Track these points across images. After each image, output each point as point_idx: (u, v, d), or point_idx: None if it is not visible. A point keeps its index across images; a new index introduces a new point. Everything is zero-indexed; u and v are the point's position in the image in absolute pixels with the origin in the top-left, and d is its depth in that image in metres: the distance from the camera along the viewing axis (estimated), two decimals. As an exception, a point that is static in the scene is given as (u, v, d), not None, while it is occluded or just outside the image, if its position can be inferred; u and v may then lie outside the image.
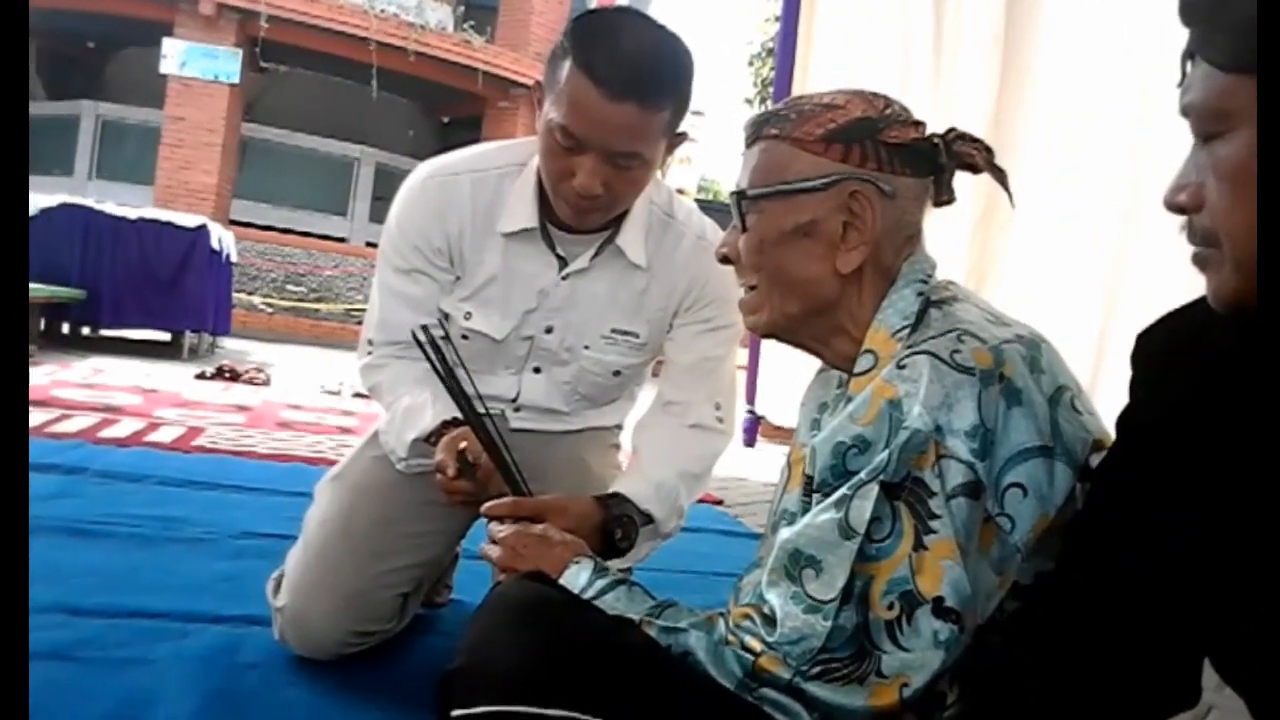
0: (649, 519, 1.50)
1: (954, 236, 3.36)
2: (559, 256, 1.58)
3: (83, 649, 1.58)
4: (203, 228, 7.35)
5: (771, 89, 5.76)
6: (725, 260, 1.11)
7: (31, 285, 5.64)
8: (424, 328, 1.38)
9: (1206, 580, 0.74)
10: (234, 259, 8.28)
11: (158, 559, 2.13)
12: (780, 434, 5.14)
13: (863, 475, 0.90)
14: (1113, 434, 0.89)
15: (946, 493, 0.87)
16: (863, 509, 0.89)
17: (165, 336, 7.70)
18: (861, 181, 1.00)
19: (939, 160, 1.03)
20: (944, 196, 1.05)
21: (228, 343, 8.84)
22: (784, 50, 4.88)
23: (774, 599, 0.92)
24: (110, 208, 6.95)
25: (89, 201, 6.99)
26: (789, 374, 4.36)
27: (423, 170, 1.62)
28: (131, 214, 7.02)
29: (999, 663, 0.90)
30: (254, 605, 1.75)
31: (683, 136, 1.48)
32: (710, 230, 1.64)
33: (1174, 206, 0.75)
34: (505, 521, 1.23)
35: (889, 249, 1.03)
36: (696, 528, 2.81)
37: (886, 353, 0.98)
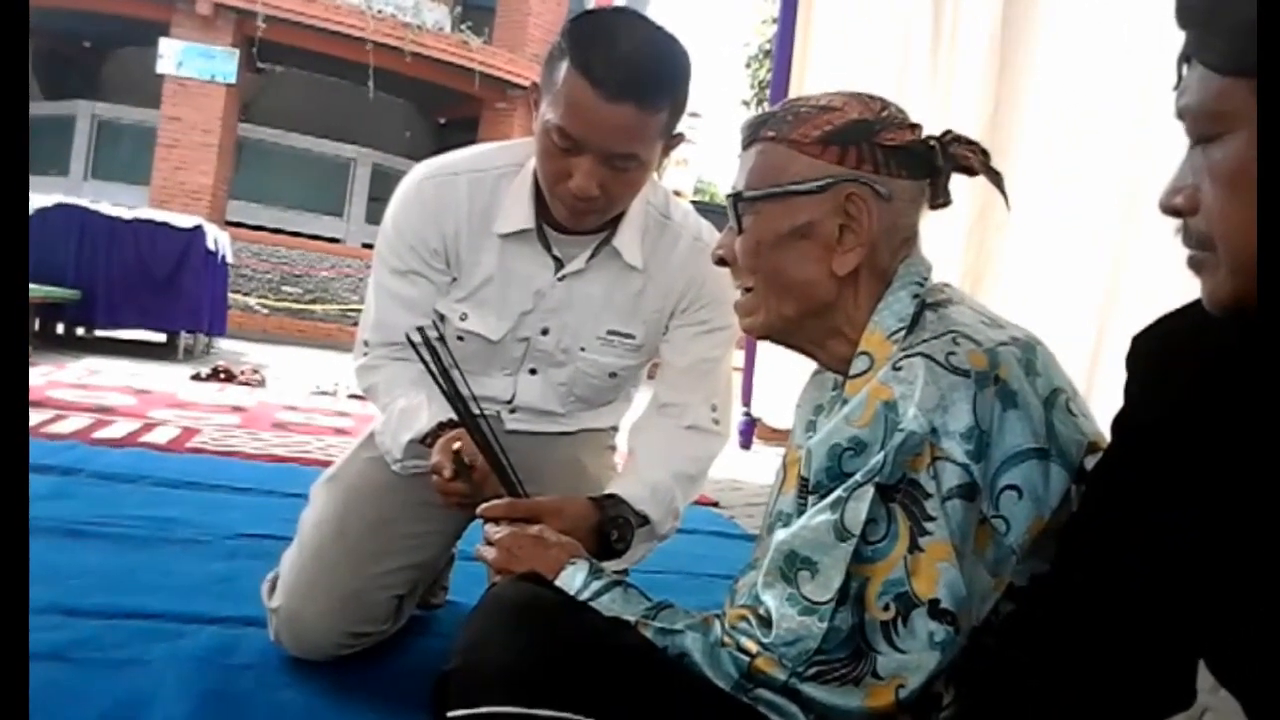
0: (645, 520, 1.50)
1: (950, 239, 3.37)
2: (555, 258, 1.58)
3: (78, 650, 1.57)
4: (198, 228, 7.34)
5: (769, 91, 5.76)
6: (721, 262, 1.11)
7: (27, 285, 5.62)
8: (419, 329, 1.38)
9: (1203, 582, 0.74)
10: (230, 260, 8.28)
11: (153, 560, 2.13)
12: (776, 436, 5.15)
13: (858, 477, 0.90)
14: (1108, 436, 0.89)
15: (942, 495, 0.88)
16: (858, 511, 0.89)
17: (160, 337, 7.70)
18: (858, 184, 1.00)
19: (935, 162, 1.03)
20: (940, 199, 1.05)
21: (223, 344, 8.84)
22: (781, 52, 4.89)
23: (770, 600, 0.92)
24: (106, 208, 6.94)
25: (84, 201, 6.99)
26: (785, 376, 4.36)
27: (419, 171, 1.62)
28: (127, 214, 7.01)
29: (994, 664, 0.90)
30: (249, 606, 1.75)
31: (680, 138, 1.48)
32: (707, 232, 1.64)
33: (1169, 209, 0.75)
34: (501, 523, 1.23)
35: (885, 251, 1.03)
36: (692, 529, 2.81)
37: (882, 355, 0.98)
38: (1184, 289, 0.79)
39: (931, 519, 0.87)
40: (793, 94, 4.46)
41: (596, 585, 1.05)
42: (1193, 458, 0.76)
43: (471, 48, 13.65)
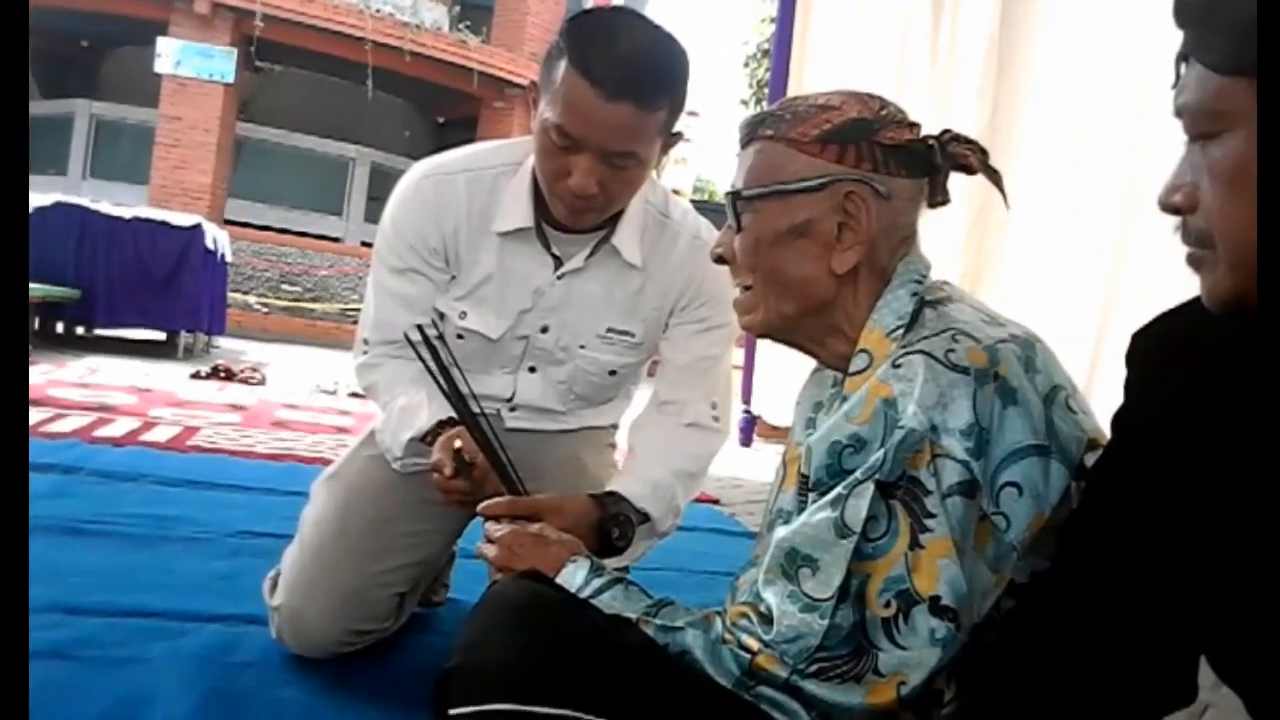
0: (645, 518, 1.50)
1: (949, 237, 3.37)
2: (554, 256, 1.58)
3: (79, 648, 1.58)
4: (198, 227, 7.34)
5: (767, 90, 5.76)
6: (720, 260, 1.11)
7: (26, 285, 5.62)
8: (419, 328, 1.38)
9: (1203, 579, 0.75)
10: (229, 259, 8.28)
11: (154, 558, 2.13)
12: (776, 433, 5.15)
13: (858, 474, 0.90)
14: (1108, 433, 0.89)
15: (942, 491, 0.88)
16: (858, 508, 0.89)
17: (160, 336, 7.69)
18: (857, 182, 1.00)
19: (934, 161, 1.03)
20: (939, 197, 1.05)
21: (223, 342, 8.83)
22: (779, 51, 4.89)
23: (770, 597, 0.92)
24: (105, 207, 6.94)
25: (84, 201, 6.98)
26: (785, 374, 4.37)
27: (418, 170, 1.62)
28: (126, 213, 7.01)
29: (995, 661, 0.90)
30: (250, 604, 1.75)
31: (678, 136, 1.48)
32: (705, 230, 1.64)
33: (1168, 207, 0.75)
34: (501, 521, 1.23)
35: (884, 249, 1.03)
36: (693, 527, 2.82)
37: (881, 352, 0.98)
38: (1183, 286, 0.79)
39: (932, 516, 0.88)
40: (791, 93, 4.46)
41: (597, 583, 1.05)
42: (1192, 455, 0.76)
43: (470, 47, 13.64)
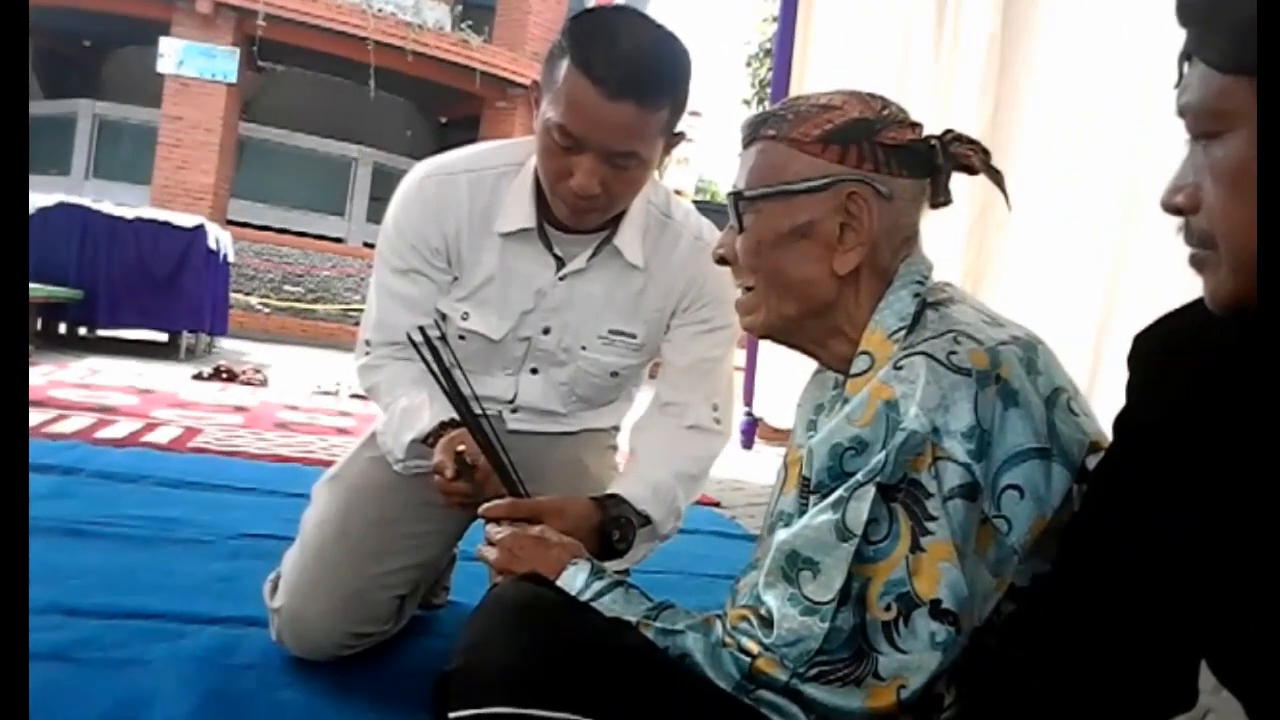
0: (646, 520, 1.50)
1: (951, 238, 3.36)
2: (556, 257, 1.57)
3: (79, 649, 1.58)
4: (200, 228, 7.34)
5: (769, 90, 5.76)
6: (722, 261, 1.11)
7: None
8: (421, 329, 1.38)
9: (1205, 582, 0.74)
10: (231, 259, 8.28)
11: (154, 560, 2.13)
12: (778, 436, 5.14)
13: (859, 477, 0.90)
14: (1109, 435, 0.89)
15: (943, 494, 0.88)
16: (859, 510, 0.89)
17: (162, 337, 7.70)
18: (858, 183, 1.00)
19: (936, 161, 1.03)
20: (941, 198, 1.05)
21: (225, 343, 8.84)
22: (781, 51, 4.89)
23: (771, 601, 0.92)
24: (107, 207, 6.94)
25: (86, 201, 6.98)
26: (786, 376, 4.36)
27: (420, 170, 1.61)
28: (128, 214, 7.01)
29: (996, 664, 0.90)
30: (251, 606, 1.75)
31: (680, 136, 1.48)
32: (707, 231, 1.64)
33: (1171, 208, 0.75)
34: (502, 523, 1.23)
35: (886, 250, 1.03)
36: (694, 529, 2.81)
37: (883, 354, 0.98)
38: (1185, 288, 0.79)
39: (933, 519, 0.87)
40: (793, 93, 4.46)
41: (598, 586, 1.05)
42: (1194, 457, 0.76)
43: (472, 47, 13.65)
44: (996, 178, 1.04)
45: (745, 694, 0.92)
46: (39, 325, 6.52)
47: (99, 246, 6.72)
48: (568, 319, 1.62)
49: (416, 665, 1.68)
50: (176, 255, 7.15)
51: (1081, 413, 0.96)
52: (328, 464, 2.06)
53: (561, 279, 1.58)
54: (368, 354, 1.66)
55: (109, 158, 14.47)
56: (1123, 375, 0.87)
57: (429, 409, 1.52)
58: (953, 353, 0.91)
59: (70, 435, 3.45)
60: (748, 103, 20.19)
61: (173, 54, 12.46)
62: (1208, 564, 0.74)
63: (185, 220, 7.39)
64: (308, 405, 5.36)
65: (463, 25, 14.00)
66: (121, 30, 13.60)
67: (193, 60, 12.50)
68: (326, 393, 6.05)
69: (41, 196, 6.56)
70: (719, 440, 1.67)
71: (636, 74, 1.32)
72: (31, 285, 5.82)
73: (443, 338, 1.53)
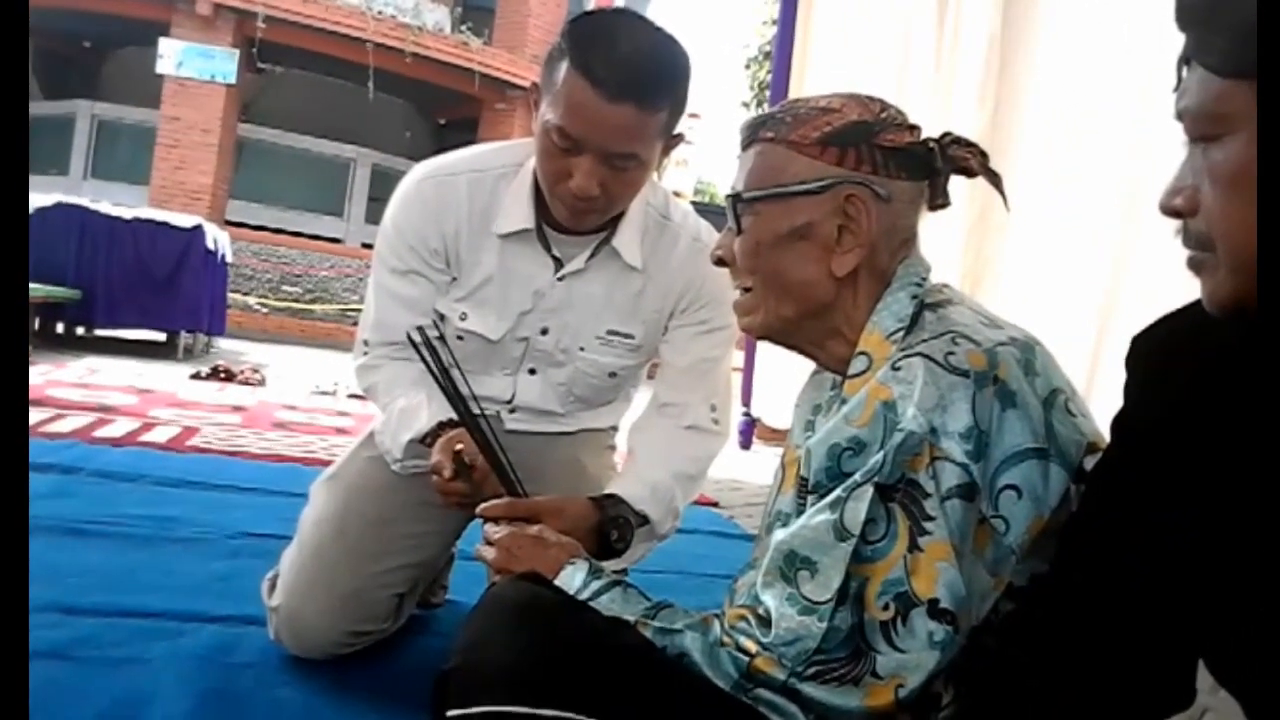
0: (645, 520, 1.50)
1: (950, 240, 3.37)
2: (555, 258, 1.58)
3: (78, 648, 1.57)
4: (198, 228, 7.34)
5: (768, 92, 5.76)
6: (720, 262, 1.11)
7: (27, 285, 5.62)
8: (419, 329, 1.38)
9: (1202, 582, 0.74)
10: (229, 259, 8.28)
11: (153, 559, 2.13)
12: (776, 436, 5.14)
13: (857, 477, 0.90)
14: (1107, 436, 0.89)
15: (941, 494, 0.88)
16: (857, 510, 0.89)
17: (160, 336, 7.70)
18: (857, 185, 1.00)
19: (934, 164, 1.03)
20: (939, 200, 1.05)
21: (223, 343, 8.84)
22: (781, 53, 4.89)
23: (769, 600, 0.92)
24: (106, 207, 6.94)
25: (84, 201, 6.98)
26: (785, 376, 4.36)
27: (419, 171, 1.62)
28: (127, 214, 7.01)
29: (994, 664, 0.90)
30: (249, 605, 1.75)
31: (679, 138, 1.48)
32: (706, 232, 1.64)
33: (1169, 210, 0.75)
34: (500, 523, 1.23)
35: (884, 252, 1.03)
36: (692, 529, 2.82)
37: (881, 355, 0.98)
38: (1184, 289, 0.79)
39: (931, 519, 0.87)
40: (792, 95, 4.46)
41: (596, 585, 1.05)
42: (1192, 458, 0.76)
43: (471, 48, 13.66)
44: (995, 180, 1.04)
45: (743, 693, 0.92)
46: (37, 325, 6.52)
47: (97, 246, 6.72)
48: (566, 320, 1.62)
49: (415, 664, 1.69)
50: (175, 255, 7.15)
51: (1079, 413, 0.96)
52: (326, 464, 2.07)
53: (560, 280, 1.58)
54: (366, 354, 1.66)
55: (107, 158, 14.48)
56: (1121, 376, 0.87)
57: (427, 409, 1.52)
58: (950, 354, 0.91)
59: (68, 435, 3.44)
60: (747, 105, 20.21)
61: (172, 55, 12.46)
62: (1206, 564, 0.74)
63: (183, 220, 7.39)
64: (306, 405, 5.36)
65: (462, 27, 14.02)
66: (121, 31, 13.61)
67: (192, 61, 12.51)
68: (324, 393, 6.04)
69: (40, 196, 6.56)
70: (717, 440, 1.67)
71: (636, 76, 1.32)
72: (30, 285, 5.82)
73: (441, 338, 1.53)
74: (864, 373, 0.99)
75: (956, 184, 1.05)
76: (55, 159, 14.00)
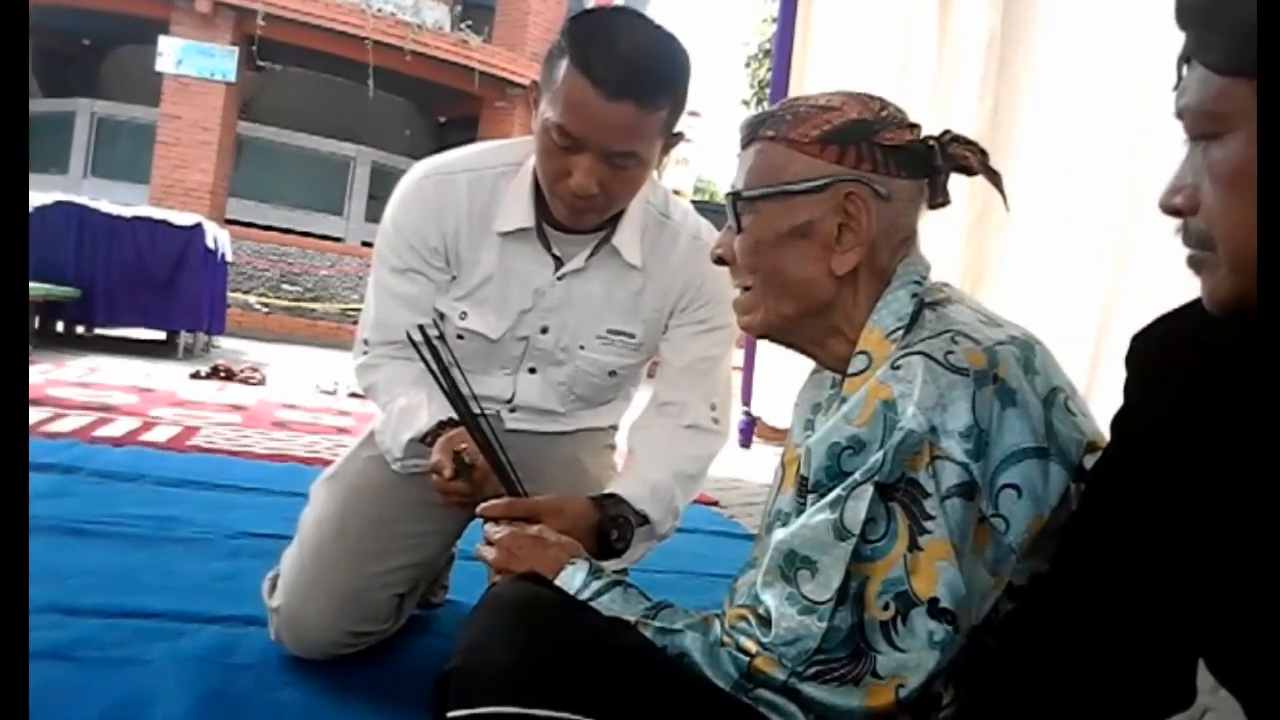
0: (645, 520, 1.50)
1: (950, 238, 3.36)
2: (555, 256, 1.58)
3: (78, 649, 1.58)
4: (198, 226, 7.34)
5: (768, 90, 5.76)
6: (720, 261, 1.11)
7: (26, 284, 5.62)
8: (419, 328, 1.38)
9: (1203, 581, 0.74)
10: (229, 258, 8.28)
11: (153, 559, 2.13)
12: (776, 435, 5.14)
13: (857, 476, 0.90)
14: (1107, 435, 0.89)
15: (941, 493, 0.88)
16: (857, 510, 0.89)
17: (160, 335, 7.70)
18: (857, 183, 1.00)
19: (934, 162, 1.03)
20: (939, 199, 1.05)
21: (223, 342, 8.84)
22: (781, 51, 4.88)
23: (769, 600, 0.92)
24: (105, 206, 6.94)
25: (84, 199, 6.98)
26: (785, 375, 4.36)
27: (419, 170, 1.62)
28: (127, 212, 7.01)
29: (994, 663, 0.90)
30: (250, 605, 1.75)
31: (679, 137, 1.48)
32: (706, 231, 1.64)
33: (1169, 209, 0.75)
34: (501, 522, 1.23)
35: (884, 250, 1.03)
36: (692, 529, 2.82)
37: (880, 354, 0.98)
38: (1184, 289, 0.79)
39: (931, 518, 0.87)
40: (792, 93, 4.45)
41: (596, 585, 1.05)
42: (1192, 457, 0.76)
43: (471, 46, 13.64)
44: (995, 178, 1.04)
45: (743, 693, 0.92)
46: (37, 324, 6.52)
47: (97, 245, 6.72)
48: (566, 318, 1.62)
49: (415, 664, 1.69)
50: (174, 254, 7.15)
51: (1079, 412, 0.96)
52: (326, 463, 2.07)
53: (560, 279, 1.58)
54: (366, 353, 1.66)
55: (107, 156, 14.46)
56: (1121, 375, 0.87)
57: (427, 408, 1.52)
58: (950, 352, 0.91)
59: (68, 434, 3.44)
60: (747, 103, 20.20)
61: (171, 53, 12.44)
62: (1206, 564, 0.74)
63: (183, 219, 7.39)
64: (306, 404, 5.36)
65: (462, 25, 14.00)
66: (120, 29, 13.59)
67: (191, 59, 12.49)
68: (325, 392, 6.04)
69: (40, 195, 6.56)
70: (717, 440, 1.67)
71: (636, 74, 1.32)
72: (30, 284, 5.82)
73: (441, 337, 1.53)
74: (864, 371, 0.99)
75: (956, 183, 1.05)
76: (55, 157, 13.98)
